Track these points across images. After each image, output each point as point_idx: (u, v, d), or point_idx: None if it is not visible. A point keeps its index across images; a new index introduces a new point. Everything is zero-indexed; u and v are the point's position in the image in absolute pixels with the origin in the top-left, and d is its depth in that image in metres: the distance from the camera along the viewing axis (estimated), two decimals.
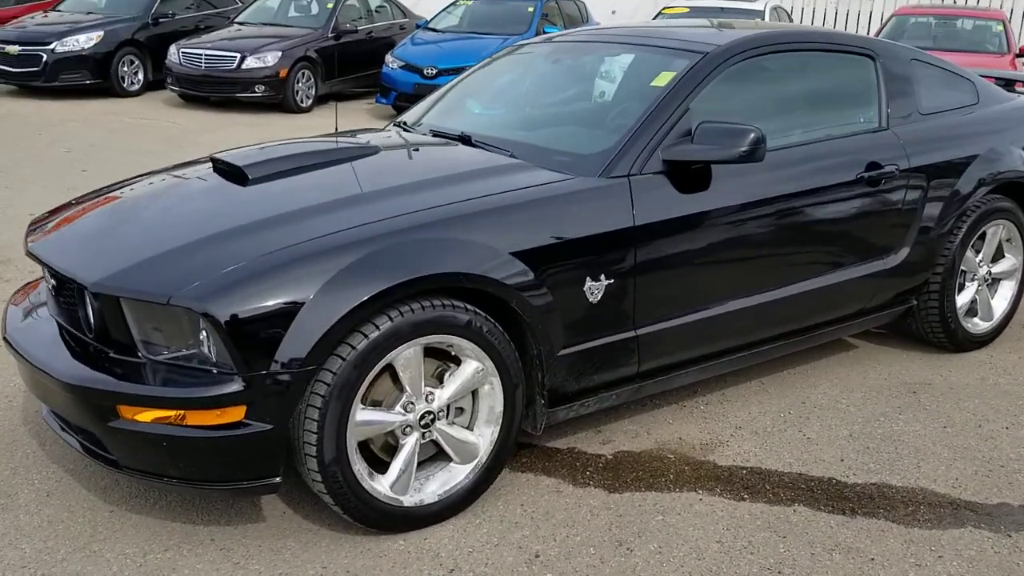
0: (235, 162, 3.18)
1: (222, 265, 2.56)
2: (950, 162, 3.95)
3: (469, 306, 2.77)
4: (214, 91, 11.72)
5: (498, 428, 2.93)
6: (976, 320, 4.34)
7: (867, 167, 3.66)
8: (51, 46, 12.15)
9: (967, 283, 4.26)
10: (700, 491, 3.09)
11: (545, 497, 3.04)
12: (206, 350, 2.54)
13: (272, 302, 2.49)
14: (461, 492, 2.89)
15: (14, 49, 12.21)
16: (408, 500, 2.79)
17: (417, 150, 3.51)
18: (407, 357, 2.69)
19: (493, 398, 2.90)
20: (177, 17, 13.49)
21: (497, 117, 3.84)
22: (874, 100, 3.85)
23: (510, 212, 2.89)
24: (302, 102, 11.94)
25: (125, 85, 12.67)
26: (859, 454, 3.35)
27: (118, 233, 2.91)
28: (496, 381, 2.88)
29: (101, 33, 12.41)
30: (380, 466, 2.80)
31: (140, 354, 2.62)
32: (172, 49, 12.03)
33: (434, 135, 3.70)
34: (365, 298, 2.54)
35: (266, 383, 2.50)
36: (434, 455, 2.92)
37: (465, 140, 3.51)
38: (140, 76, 12.85)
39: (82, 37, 12.29)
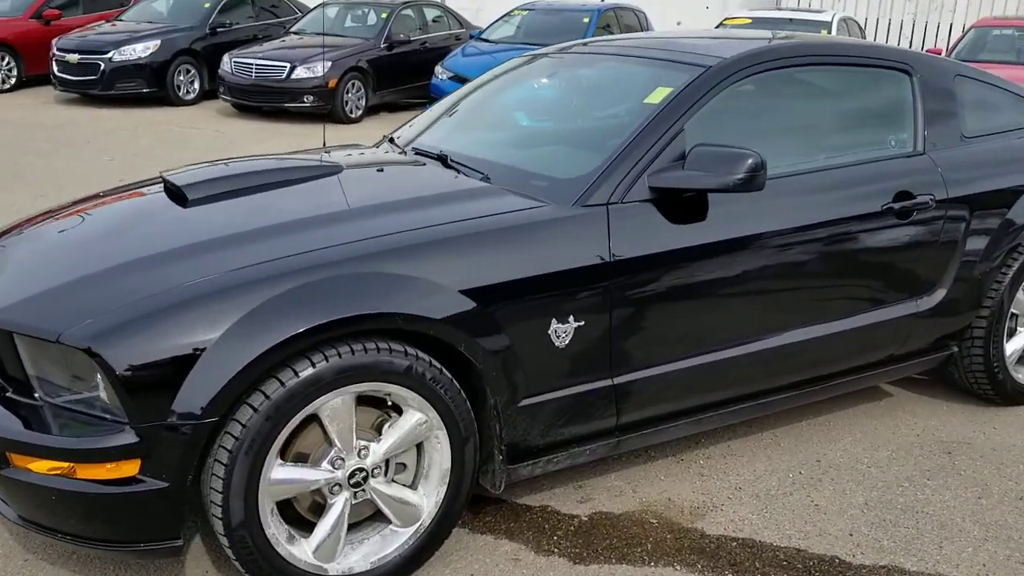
0: (177, 182, 2.91)
1: (121, 300, 2.28)
2: (999, 191, 3.48)
3: (411, 350, 2.44)
4: (264, 101, 11.66)
5: (445, 487, 2.59)
6: None
7: (896, 196, 3.22)
8: (108, 55, 12.26)
9: (1020, 328, 3.77)
10: (678, 566, 2.70)
11: (500, 566, 2.69)
12: (102, 395, 2.27)
13: (170, 343, 2.20)
14: (398, 560, 2.56)
15: (74, 58, 12.37)
16: (334, 568, 2.48)
17: (382, 170, 3.20)
18: (334, 407, 2.38)
19: (439, 453, 2.57)
20: (235, 27, 13.51)
21: (485, 135, 3.52)
22: (909, 121, 3.40)
23: (462, 244, 2.55)
24: (351, 112, 11.79)
25: (181, 94, 12.71)
26: (872, 528, 2.91)
27: (33, 260, 2.66)
28: (442, 435, 2.55)
29: (158, 42, 12.49)
30: (308, 527, 2.49)
31: (37, 395, 2.36)
32: (225, 59, 12.02)
33: (416, 153, 3.39)
34: (279, 341, 2.24)
35: (162, 435, 2.21)
36: (372, 515, 2.60)
37: (443, 159, 3.19)
38: (196, 85, 12.89)
39: (139, 46, 12.38)
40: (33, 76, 13.77)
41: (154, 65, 12.36)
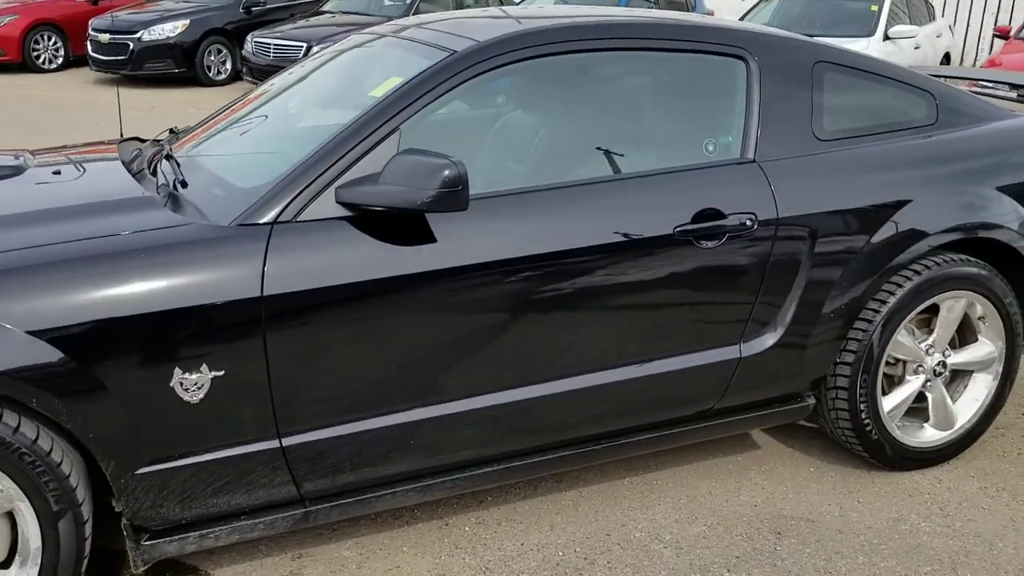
0: None
1: None
2: (861, 209, 2.77)
3: None
4: None
5: (37, 569, 2.13)
6: (926, 428, 3.11)
7: (696, 216, 2.56)
8: (138, 34, 12.21)
9: (908, 376, 3.04)
10: None
11: None
12: None
13: None
14: None
15: (105, 37, 12.37)
16: None
17: (59, 172, 2.72)
18: None
19: (28, 529, 2.11)
20: (269, 6, 13.29)
21: (239, 130, 2.99)
22: (736, 121, 2.73)
23: (43, 272, 2.07)
24: None
25: (212, 75, 12.59)
26: None
27: None
28: (25, 507, 2.08)
29: (187, 22, 12.37)
30: None
31: None
32: (248, 38, 11.79)
33: (159, 151, 2.91)
34: None
35: None
36: None
37: (168, 158, 2.70)
38: (228, 65, 12.74)
39: (168, 26, 12.28)
40: (79, 56, 13.89)
41: (184, 45, 12.26)
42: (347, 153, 2.31)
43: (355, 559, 2.62)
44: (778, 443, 3.28)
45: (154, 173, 2.65)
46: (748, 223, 2.61)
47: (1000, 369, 3.11)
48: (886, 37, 9.52)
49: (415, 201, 2.16)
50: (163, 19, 12.37)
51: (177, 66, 12.30)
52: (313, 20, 12.25)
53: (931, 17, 11.10)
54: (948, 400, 3.08)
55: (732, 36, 2.75)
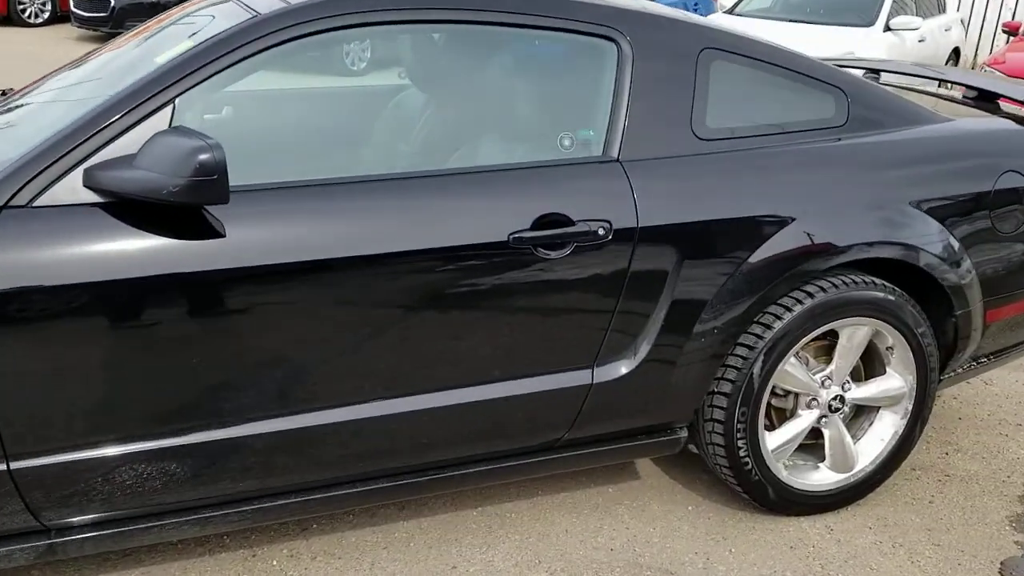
0: None
1: None
2: (742, 220, 2.39)
3: None
4: None
5: None
6: (821, 468, 2.74)
7: (537, 222, 2.20)
8: None
9: (800, 410, 2.68)
10: None
11: None
12: None
13: None
14: None
15: None
16: None
17: None
18: None
19: None
20: None
21: (27, 102, 2.61)
22: (601, 112, 2.35)
23: None
24: None
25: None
26: None
27: None
28: None
29: None
30: None
31: None
32: None
33: None
34: None
35: None
36: None
37: None
38: None
39: None
40: (66, 13, 13.59)
41: (164, 3, 11.92)
42: (104, 129, 1.96)
43: None
44: (660, 473, 2.93)
45: None
46: (601, 232, 2.24)
47: (910, 407, 2.74)
48: (887, 28, 8.98)
49: (161, 190, 1.81)
50: None
51: None
52: None
53: (941, 10, 10.48)
54: (847, 439, 2.72)
55: (601, 13, 2.36)
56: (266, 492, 2.20)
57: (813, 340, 2.60)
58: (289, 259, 1.99)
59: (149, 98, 1.99)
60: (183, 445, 2.04)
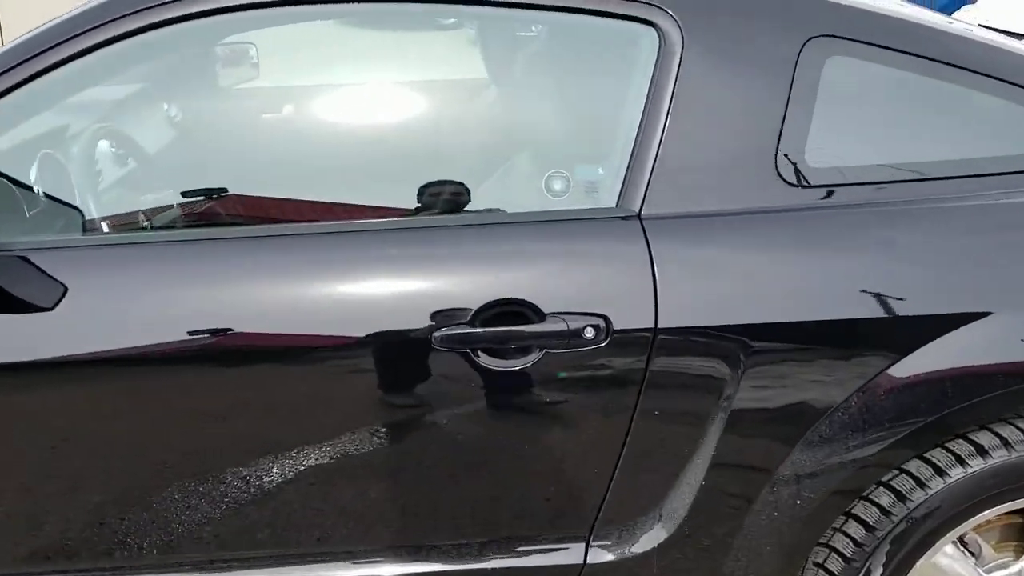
0: None
1: None
2: (861, 323, 1.43)
3: None
4: None
5: None
6: None
7: (480, 314, 1.38)
8: None
9: None
10: None
11: None
12: None
13: None
14: None
15: None
16: None
17: None
18: None
19: None
20: None
21: None
22: (619, 138, 1.48)
23: None
24: None
25: None
26: None
27: None
28: None
29: None
30: None
31: None
32: None
33: None
34: None
35: None
36: None
37: None
38: None
39: None
40: None
41: None
42: None
43: None
44: None
45: None
46: (589, 334, 1.38)
47: None
48: None
49: None
50: None
51: None
52: None
53: None
54: None
55: None
56: None
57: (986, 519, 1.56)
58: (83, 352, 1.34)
59: None
60: None
